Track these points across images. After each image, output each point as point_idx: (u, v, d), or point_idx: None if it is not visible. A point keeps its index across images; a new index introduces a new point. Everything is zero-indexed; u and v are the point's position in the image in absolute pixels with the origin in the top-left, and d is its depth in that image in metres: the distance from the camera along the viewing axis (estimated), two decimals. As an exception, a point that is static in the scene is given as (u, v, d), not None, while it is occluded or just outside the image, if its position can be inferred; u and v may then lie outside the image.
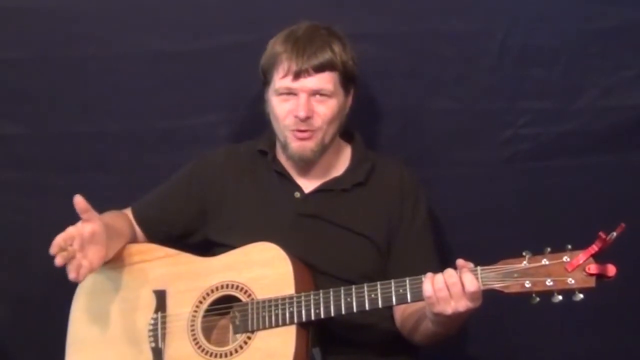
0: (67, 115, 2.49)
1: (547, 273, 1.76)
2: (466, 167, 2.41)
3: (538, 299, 1.76)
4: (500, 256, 1.81)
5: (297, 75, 2.04)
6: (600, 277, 1.74)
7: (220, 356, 1.97)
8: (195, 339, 2.01)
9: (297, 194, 2.13)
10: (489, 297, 1.81)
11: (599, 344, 2.43)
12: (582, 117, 2.35)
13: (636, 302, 2.38)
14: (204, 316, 2.03)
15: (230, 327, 2.01)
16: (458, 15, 2.35)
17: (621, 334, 2.42)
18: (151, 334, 2.06)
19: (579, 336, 2.42)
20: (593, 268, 1.73)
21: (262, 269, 2.00)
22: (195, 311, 2.03)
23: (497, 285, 1.79)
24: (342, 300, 1.91)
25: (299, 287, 1.96)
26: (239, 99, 2.45)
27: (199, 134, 2.47)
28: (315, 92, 2.06)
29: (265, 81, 2.13)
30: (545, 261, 1.76)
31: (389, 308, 2.05)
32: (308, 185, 2.14)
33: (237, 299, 2.01)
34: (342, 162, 2.19)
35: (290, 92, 2.06)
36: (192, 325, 2.02)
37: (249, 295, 1.99)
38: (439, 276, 1.81)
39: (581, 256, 1.74)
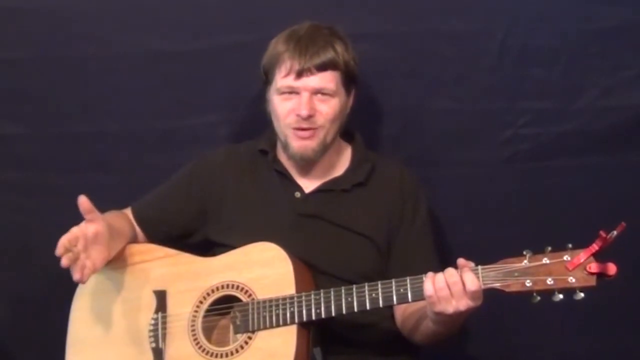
0: (67, 115, 2.49)
1: (548, 272, 1.76)
2: (466, 167, 2.41)
3: (539, 298, 1.76)
4: (500, 256, 1.81)
5: (300, 74, 2.04)
6: (601, 276, 1.74)
7: (221, 356, 1.97)
8: (195, 339, 2.01)
9: (298, 194, 2.13)
10: (490, 297, 1.82)
11: (599, 344, 2.43)
12: (582, 117, 2.35)
13: (636, 302, 2.38)
14: (205, 316, 2.03)
15: (231, 327, 2.01)
16: (458, 15, 2.35)
17: (621, 334, 2.42)
18: (151, 334, 2.05)
19: (579, 336, 2.42)
20: (594, 267, 1.74)
21: (263, 269, 2.00)
22: (196, 311, 2.03)
23: (497, 285, 1.79)
24: (343, 300, 1.91)
25: (299, 287, 1.96)
26: (239, 99, 2.45)
27: (199, 134, 2.47)
28: (317, 91, 2.06)
29: (267, 80, 2.13)
30: (545, 260, 1.77)
31: (389, 308, 2.05)
32: (308, 185, 2.14)
33: (237, 299, 2.01)
34: (342, 162, 2.19)
35: (293, 91, 2.06)
36: (193, 326, 2.02)
37: (250, 295, 1.99)
38: (440, 275, 1.81)
39: (582, 255, 1.74)
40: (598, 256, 1.74)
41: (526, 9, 2.32)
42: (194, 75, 2.45)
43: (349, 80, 2.11)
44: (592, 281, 1.74)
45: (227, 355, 1.96)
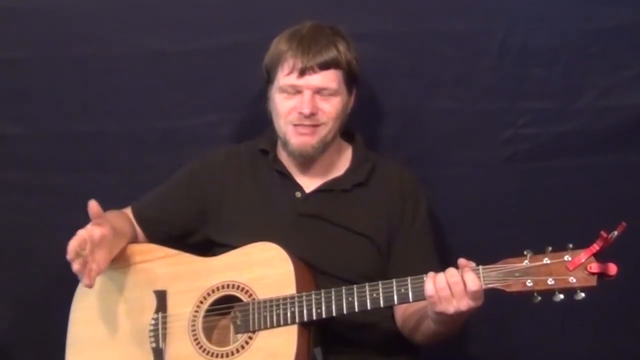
0: (67, 115, 2.49)
1: (549, 272, 1.76)
2: (466, 167, 2.41)
3: (539, 298, 1.77)
4: (500, 256, 1.81)
5: (302, 73, 2.05)
6: (601, 275, 1.74)
7: (222, 356, 1.97)
8: (196, 339, 2.01)
9: (298, 194, 2.13)
10: (490, 297, 1.82)
11: (599, 344, 2.43)
12: (582, 117, 2.35)
13: (636, 302, 2.38)
14: (205, 316, 2.03)
15: (232, 327, 2.01)
16: (458, 15, 2.35)
17: (621, 334, 2.43)
18: (152, 334, 2.05)
19: (579, 336, 2.42)
20: (594, 267, 1.74)
21: (263, 268, 2.00)
22: (196, 311, 2.03)
23: (498, 284, 1.79)
24: (344, 300, 1.91)
25: (300, 287, 1.96)
26: (239, 99, 2.45)
27: (199, 134, 2.47)
28: (319, 90, 2.06)
29: (269, 79, 2.13)
30: (546, 260, 1.77)
31: (389, 308, 2.05)
32: (309, 185, 2.14)
33: (238, 299, 2.01)
34: (342, 162, 2.19)
35: (295, 90, 2.06)
36: (193, 326, 2.02)
37: (250, 295, 1.99)
38: (441, 275, 1.81)
39: (582, 255, 1.75)
40: (599, 256, 1.74)
41: (526, 9, 2.33)
42: (194, 75, 2.45)
43: (351, 79, 2.12)
44: (593, 281, 1.74)
45: (227, 355, 1.96)
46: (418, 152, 2.42)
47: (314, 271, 2.04)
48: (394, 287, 1.88)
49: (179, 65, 2.44)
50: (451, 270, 1.81)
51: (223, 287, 2.03)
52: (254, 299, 1.98)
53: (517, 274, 1.78)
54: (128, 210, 2.24)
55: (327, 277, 2.05)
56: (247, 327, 1.97)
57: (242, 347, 1.96)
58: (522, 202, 2.41)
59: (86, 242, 1.91)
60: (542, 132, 2.37)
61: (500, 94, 2.37)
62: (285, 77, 2.07)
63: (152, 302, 2.07)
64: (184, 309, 2.04)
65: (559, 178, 2.39)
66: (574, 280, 1.74)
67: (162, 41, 2.43)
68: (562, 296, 1.75)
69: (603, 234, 1.71)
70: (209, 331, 2.02)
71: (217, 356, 1.97)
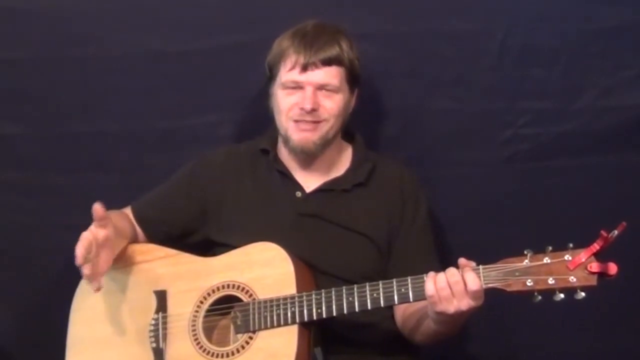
0: (67, 115, 2.49)
1: (549, 271, 1.76)
2: (466, 167, 2.41)
3: (540, 297, 1.77)
4: (500, 256, 1.81)
5: (305, 68, 2.05)
6: (601, 275, 1.75)
7: (222, 356, 1.97)
8: (196, 339, 2.01)
9: (299, 194, 2.13)
10: (490, 296, 1.82)
11: (599, 344, 2.43)
12: (582, 117, 2.35)
13: (636, 302, 2.38)
14: (205, 316, 2.02)
15: (232, 327, 2.01)
16: (458, 15, 2.35)
17: (621, 334, 2.43)
18: (152, 334, 2.05)
19: (579, 336, 2.42)
20: (595, 266, 1.74)
21: (263, 268, 2.00)
22: (197, 311, 2.03)
23: (499, 284, 1.79)
24: (344, 300, 1.91)
25: (300, 287, 1.96)
26: (239, 99, 2.45)
27: (199, 134, 2.47)
28: (321, 87, 2.06)
29: (271, 76, 2.13)
30: (546, 260, 1.77)
31: (389, 308, 2.05)
32: (309, 184, 2.14)
33: (238, 299, 2.01)
34: (343, 162, 2.19)
35: (297, 86, 2.07)
36: (193, 326, 2.02)
37: (250, 295, 1.99)
38: (441, 275, 1.81)
39: (583, 254, 1.75)
40: (599, 256, 1.74)
41: (526, 9, 2.33)
42: (194, 75, 2.45)
43: (353, 78, 2.12)
44: (593, 281, 1.74)
45: (228, 355, 1.96)
46: (418, 152, 2.42)
47: (314, 271, 2.04)
48: (395, 287, 1.88)
49: (179, 65, 2.44)
50: (451, 270, 1.81)
51: (223, 287, 2.03)
52: (254, 299, 1.98)
53: (517, 274, 1.78)
54: (128, 210, 2.24)
55: (328, 277, 2.05)
56: (248, 327, 1.97)
57: (243, 347, 1.96)
58: (522, 202, 2.41)
59: (92, 245, 1.90)
60: (542, 132, 2.37)
61: (500, 94, 2.37)
62: (287, 73, 2.07)
63: (152, 302, 2.07)
64: (184, 309, 2.04)
65: (559, 178, 2.39)
66: (575, 280, 1.74)
67: (162, 41, 2.43)
68: (562, 296, 1.75)
69: (603, 233, 1.71)
70: (209, 331, 2.02)
71: (217, 356, 1.97)
